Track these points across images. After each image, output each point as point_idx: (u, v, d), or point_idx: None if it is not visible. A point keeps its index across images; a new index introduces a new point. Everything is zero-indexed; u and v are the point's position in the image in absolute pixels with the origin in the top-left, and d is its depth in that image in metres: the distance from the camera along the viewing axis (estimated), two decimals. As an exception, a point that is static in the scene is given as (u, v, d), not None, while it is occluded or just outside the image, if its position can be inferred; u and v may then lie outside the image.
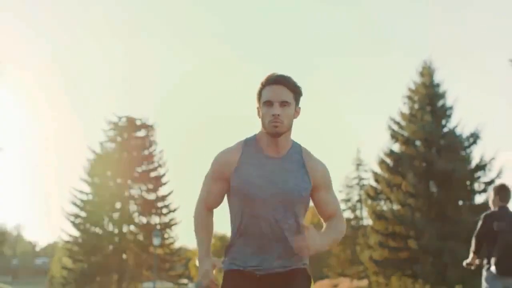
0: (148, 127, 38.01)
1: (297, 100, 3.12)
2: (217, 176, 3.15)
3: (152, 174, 37.58)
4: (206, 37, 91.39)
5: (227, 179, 3.12)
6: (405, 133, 30.15)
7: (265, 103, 3.06)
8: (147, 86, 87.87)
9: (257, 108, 3.14)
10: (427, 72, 30.53)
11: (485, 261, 6.54)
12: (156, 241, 31.13)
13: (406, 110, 30.79)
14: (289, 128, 3.09)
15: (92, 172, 37.08)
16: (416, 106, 30.38)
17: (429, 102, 29.82)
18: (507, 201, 6.47)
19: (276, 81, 3.07)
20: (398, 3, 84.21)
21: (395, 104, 71.83)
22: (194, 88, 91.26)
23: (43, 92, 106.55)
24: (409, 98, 30.90)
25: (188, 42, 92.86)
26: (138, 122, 37.85)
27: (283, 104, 3.04)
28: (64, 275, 37.64)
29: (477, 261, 6.62)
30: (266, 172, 3.06)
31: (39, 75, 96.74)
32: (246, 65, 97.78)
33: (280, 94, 3.05)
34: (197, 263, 3.12)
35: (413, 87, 30.83)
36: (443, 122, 30.10)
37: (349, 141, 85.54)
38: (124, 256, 36.64)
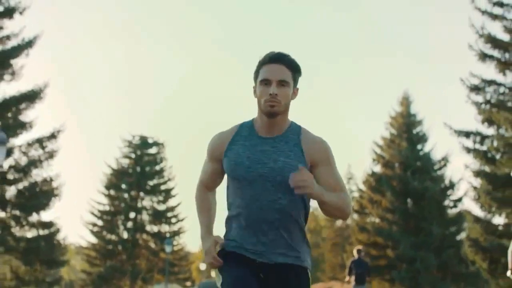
0: (159, 145, 44.31)
1: (295, 79, 3.09)
2: (210, 157, 3.23)
3: (163, 187, 43.71)
4: (206, 41, 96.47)
5: (219, 161, 3.18)
6: (386, 156, 36.54)
7: (261, 82, 3.04)
8: (147, 90, 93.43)
9: (254, 87, 3.11)
10: (405, 102, 36.89)
11: (351, 279, 13.98)
12: (168, 248, 37.52)
13: (387, 135, 37.23)
14: (286, 109, 3.07)
15: (109, 185, 43.27)
16: (394, 132, 36.75)
17: (405, 130, 36.17)
18: (359, 255, 14.77)
19: (275, 59, 3.05)
20: (399, 7, 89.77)
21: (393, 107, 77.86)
22: (195, 95, 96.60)
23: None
24: (390, 124, 37.29)
25: (188, 48, 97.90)
26: (150, 140, 44.14)
27: (281, 83, 3.01)
28: (82, 278, 43.84)
29: (350, 279, 14.13)
30: (257, 152, 3.06)
31: (38, 75, 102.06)
32: (246, 69, 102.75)
33: (278, 72, 3.02)
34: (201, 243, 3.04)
35: (393, 114, 37.23)
36: (419, 146, 36.43)
37: (349, 143, 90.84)
38: (137, 261, 42.77)
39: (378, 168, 36.94)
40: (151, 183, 43.46)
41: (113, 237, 42.52)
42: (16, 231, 22.18)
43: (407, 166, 35.23)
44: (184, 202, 60.20)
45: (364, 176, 37.05)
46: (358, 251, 15.83)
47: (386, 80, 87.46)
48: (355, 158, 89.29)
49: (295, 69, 3.08)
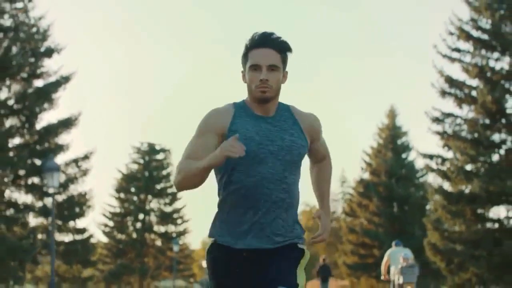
0: (165, 151, 49.74)
1: (285, 62, 3.15)
2: (209, 131, 3.12)
3: (169, 191, 48.94)
4: (206, 41, 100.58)
5: (219, 134, 3.11)
6: (373, 164, 42.09)
7: (251, 67, 3.09)
8: (147, 89, 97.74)
9: (242, 72, 3.18)
10: (392, 115, 42.43)
11: (319, 279, 19.82)
12: (175, 247, 43.07)
13: (375, 145, 42.78)
14: (277, 94, 3.13)
15: (119, 189, 48.65)
16: (381, 143, 42.31)
17: (391, 141, 41.73)
18: (324, 262, 21.10)
19: (264, 43, 3.10)
20: (399, 5, 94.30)
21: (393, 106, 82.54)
22: (194, 94, 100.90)
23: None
24: (378, 135, 42.85)
25: (188, 48, 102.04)
26: (157, 147, 49.57)
27: (271, 68, 3.07)
28: (96, 275, 49.25)
29: (318, 280, 20.08)
30: (262, 130, 3.10)
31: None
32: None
33: (268, 57, 3.07)
34: (207, 162, 2.96)
35: (380, 126, 42.78)
36: (403, 155, 41.98)
37: (349, 143, 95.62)
38: (145, 259, 48.12)
39: (366, 175, 42.51)
40: (158, 186, 48.64)
41: (123, 237, 47.61)
42: (57, 236, 27.88)
43: (392, 174, 40.77)
44: (189, 205, 65.80)
45: (354, 182, 42.72)
46: (323, 259, 22.46)
47: (385, 81, 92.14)
48: (352, 157, 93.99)
49: (284, 51, 3.13)
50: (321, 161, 3.40)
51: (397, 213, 40.88)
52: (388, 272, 16.33)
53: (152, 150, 49.48)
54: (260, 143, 3.07)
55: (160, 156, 49.73)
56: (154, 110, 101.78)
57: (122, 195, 48.52)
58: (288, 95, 3.29)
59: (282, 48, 3.13)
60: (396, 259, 15.81)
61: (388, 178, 40.93)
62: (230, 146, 2.87)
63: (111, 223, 47.95)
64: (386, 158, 41.16)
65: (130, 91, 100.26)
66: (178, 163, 3.12)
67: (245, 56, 3.13)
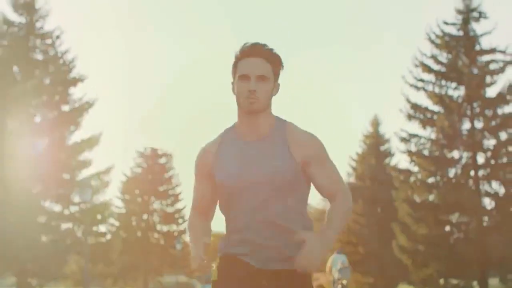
0: (167, 156, 55.53)
1: (276, 73, 3.17)
2: (200, 174, 3.30)
3: (171, 192, 54.08)
4: (210, 39, 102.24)
5: (210, 176, 3.25)
6: (358, 169, 48.23)
7: (240, 78, 3.11)
8: (149, 82, 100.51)
9: (232, 83, 3.20)
10: (375, 123, 48.54)
11: None
12: (178, 246, 48.97)
13: (360, 151, 48.92)
14: (267, 106, 3.15)
15: (124, 191, 54.36)
16: (366, 149, 48.43)
17: (375, 148, 47.84)
18: None
19: (253, 52, 3.12)
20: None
21: (389, 95, 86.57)
22: (196, 85, 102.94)
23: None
24: (363, 141, 48.98)
25: (190, 42, 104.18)
26: (160, 152, 55.30)
27: (260, 78, 3.09)
28: (103, 271, 54.87)
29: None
30: (245, 159, 3.15)
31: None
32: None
33: (257, 67, 3.10)
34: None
35: (365, 133, 48.92)
36: (387, 160, 48.09)
37: (342, 131, 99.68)
38: (149, 256, 53.63)
39: (352, 179, 48.70)
40: (161, 188, 53.68)
41: (129, 236, 52.52)
42: (82, 239, 34.11)
43: (375, 178, 46.92)
44: (189, 205, 70.65)
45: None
46: None
47: (379, 68, 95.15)
48: (339, 163, 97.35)
49: (275, 61, 3.15)
50: (331, 199, 3.28)
51: (380, 214, 47.01)
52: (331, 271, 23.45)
53: (154, 154, 55.19)
54: (241, 175, 3.15)
55: (162, 160, 55.33)
56: (156, 112, 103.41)
57: (127, 197, 53.90)
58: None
59: (273, 58, 3.16)
60: (336, 262, 23.28)
61: (372, 182, 47.07)
62: (198, 269, 3.11)
63: (116, 223, 53.35)
64: (370, 164, 47.30)
65: (131, 92, 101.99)
66: (188, 216, 3.40)
67: (235, 66, 3.18)
